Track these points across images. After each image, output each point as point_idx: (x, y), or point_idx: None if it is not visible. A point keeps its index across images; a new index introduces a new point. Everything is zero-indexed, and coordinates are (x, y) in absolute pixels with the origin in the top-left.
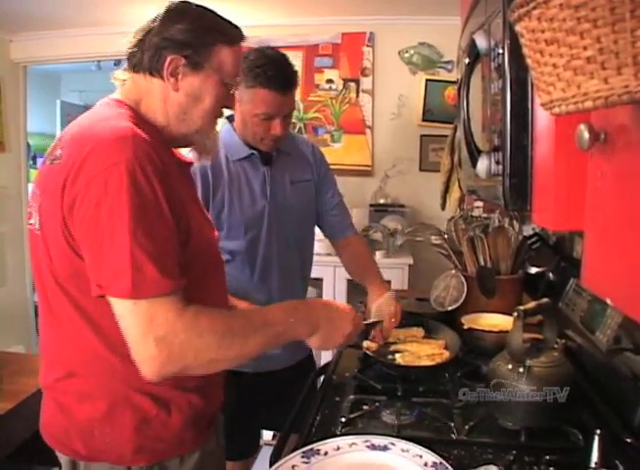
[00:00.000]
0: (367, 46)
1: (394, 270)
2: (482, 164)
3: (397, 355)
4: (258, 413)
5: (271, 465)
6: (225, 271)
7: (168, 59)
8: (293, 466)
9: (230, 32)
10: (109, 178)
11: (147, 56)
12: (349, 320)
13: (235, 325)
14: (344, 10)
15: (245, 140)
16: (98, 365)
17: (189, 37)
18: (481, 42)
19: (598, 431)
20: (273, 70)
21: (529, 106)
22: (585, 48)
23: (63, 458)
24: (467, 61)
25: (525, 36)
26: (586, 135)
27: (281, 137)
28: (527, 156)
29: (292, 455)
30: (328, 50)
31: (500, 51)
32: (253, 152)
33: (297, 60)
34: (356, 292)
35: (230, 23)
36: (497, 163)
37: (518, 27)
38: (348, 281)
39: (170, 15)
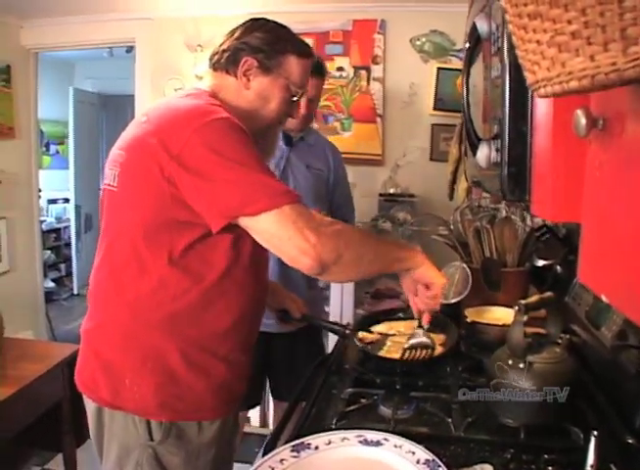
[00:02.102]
0: (378, 33)
1: None
2: (482, 152)
3: (385, 348)
4: (263, 369)
5: (264, 455)
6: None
7: (243, 60)
8: (281, 460)
9: (300, 46)
10: (206, 132)
11: (225, 56)
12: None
13: (360, 230)
14: None
15: None
16: (146, 317)
17: (263, 44)
18: (482, 26)
19: (595, 432)
20: None
21: (529, 91)
22: (570, 22)
23: (89, 405)
24: (467, 45)
25: (508, 11)
26: (583, 121)
27: (305, 119)
28: (526, 144)
29: (281, 449)
30: (339, 37)
31: (500, 34)
32: None
33: None
34: (365, 283)
35: (302, 40)
36: (497, 151)
37: (502, 2)
38: None
39: (251, 25)
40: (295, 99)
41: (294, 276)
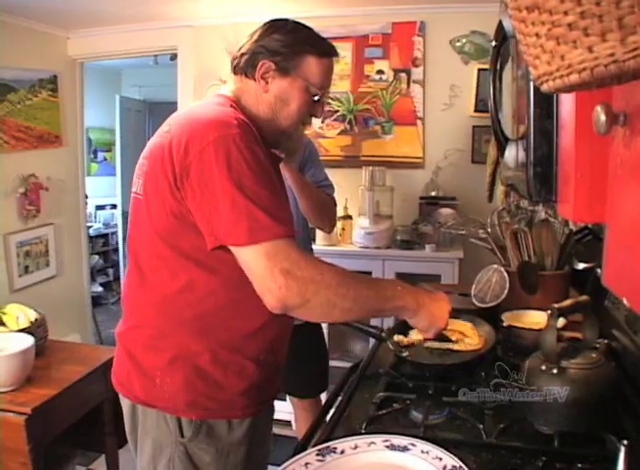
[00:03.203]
0: (418, 36)
1: (445, 264)
2: (510, 152)
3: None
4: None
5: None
6: None
7: (261, 63)
8: (306, 463)
9: (320, 46)
10: (218, 147)
11: (244, 59)
12: (447, 304)
13: (351, 275)
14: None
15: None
16: (175, 318)
17: (280, 46)
18: (508, 23)
19: (625, 441)
20: None
21: None
22: (566, 13)
23: (124, 402)
24: (494, 43)
25: (509, 5)
26: (603, 118)
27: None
28: (552, 143)
29: (307, 452)
30: (378, 40)
31: None
32: None
33: (346, 51)
34: None
35: (324, 39)
36: (524, 150)
37: None
38: (397, 274)
39: (269, 27)
40: (316, 99)
41: None
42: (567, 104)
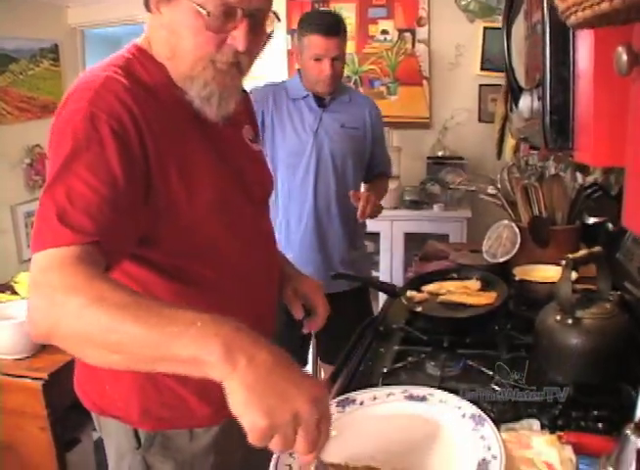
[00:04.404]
0: None
1: (453, 224)
2: (525, 102)
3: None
4: None
5: None
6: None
7: None
8: None
9: None
10: (57, 129)
11: None
12: (309, 385)
13: (114, 298)
14: None
15: (305, 86)
16: None
17: None
18: None
19: None
20: (319, 20)
21: (570, 36)
22: None
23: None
24: None
25: None
26: (624, 58)
27: (332, 78)
28: (569, 90)
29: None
30: (382, 0)
31: None
32: (308, 93)
33: (349, 12)
34: (413, 246)
35: None
36: (539, 99)
37: None
38: (406, 235)
39: None
40: (217, 21)
41: (333, 236)
42: (584, 49)
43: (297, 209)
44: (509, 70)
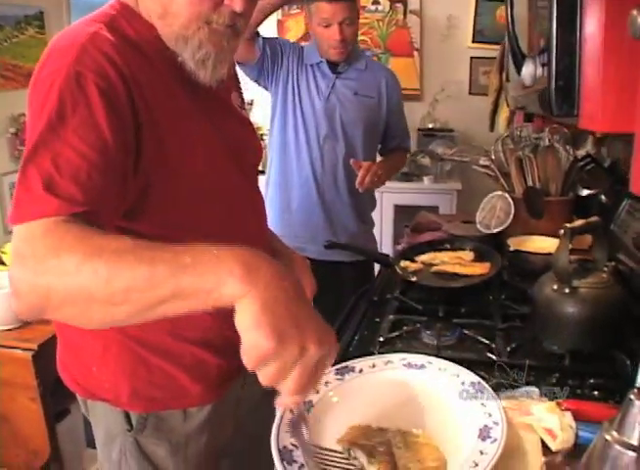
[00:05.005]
0: None
1: (443, 196)
2: (528, 68)
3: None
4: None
5: None
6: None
7: None
8: (326, 382)
9: None
10: (37, 90)
11: None
12: (325, 328)
13: (110, 246)
14: None
15: (319, 52)
16: None
17: None
18: None
19: None
20: None
21: (577, 2)
22: None
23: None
24: None
25: None
26: (639, 21)
27: (342, 43)
28: (575, 55)
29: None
30: None
31: None
32: (322, 60)
33: None
34: (403, 218)
35: None
36: (543, 65)
37: None
38: (396, 207)
39: None
40: None
41: (341, 210)
42: (594, 13)
43: (300, 170)
44: (512, 37)
